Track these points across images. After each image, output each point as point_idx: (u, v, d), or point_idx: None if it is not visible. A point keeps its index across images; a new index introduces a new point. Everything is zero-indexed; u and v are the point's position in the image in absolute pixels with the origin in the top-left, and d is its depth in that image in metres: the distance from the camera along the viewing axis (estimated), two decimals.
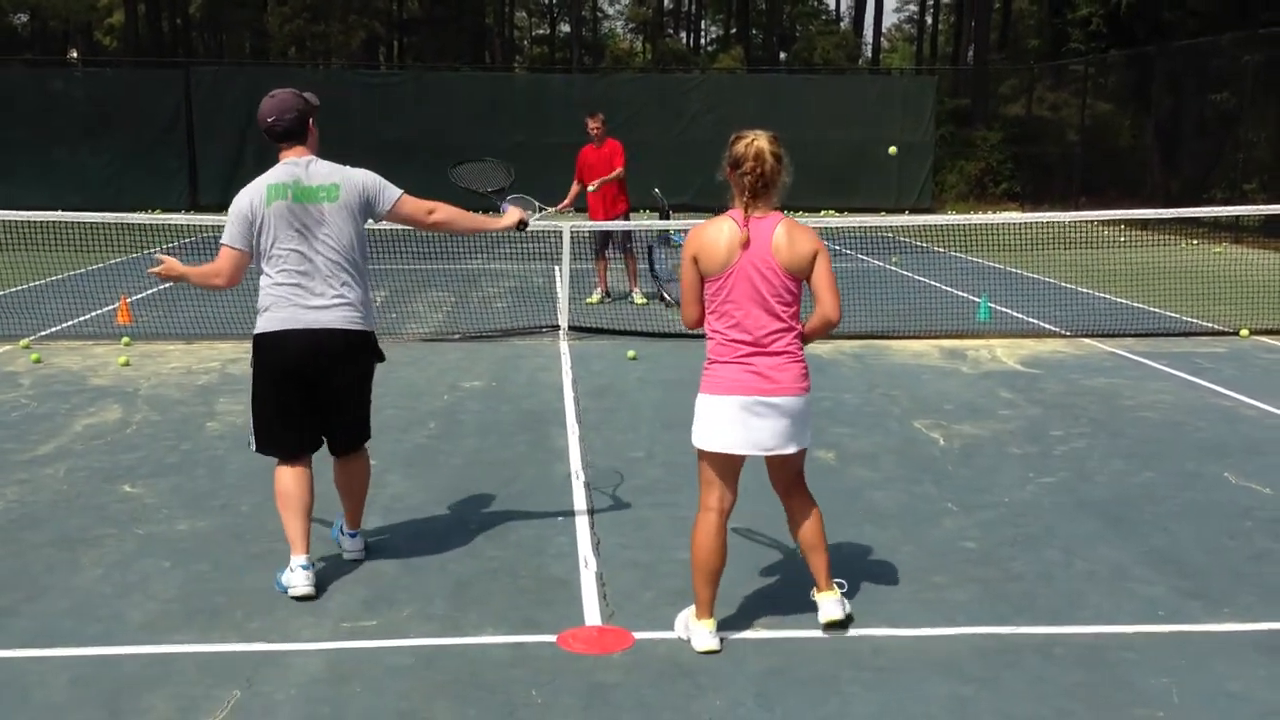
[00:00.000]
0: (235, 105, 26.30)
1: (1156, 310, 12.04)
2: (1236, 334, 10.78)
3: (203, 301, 12.05)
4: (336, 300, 4.62)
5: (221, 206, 25.52)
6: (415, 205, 4.80)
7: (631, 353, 9.72)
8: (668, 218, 13.24)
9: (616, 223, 12.26)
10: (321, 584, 4.73)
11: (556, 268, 11.85)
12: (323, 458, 4.93)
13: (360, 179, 4.71)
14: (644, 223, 12.55)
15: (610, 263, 12.91)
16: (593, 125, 12.33)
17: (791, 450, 4.18)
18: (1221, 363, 9.49)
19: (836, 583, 4.39)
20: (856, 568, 4.98)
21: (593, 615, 4.46)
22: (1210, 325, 11.21)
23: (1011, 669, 4.03)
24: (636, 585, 4.77)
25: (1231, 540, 5.33)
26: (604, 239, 12.59)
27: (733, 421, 4.08)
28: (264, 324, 4.64)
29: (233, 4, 44.97)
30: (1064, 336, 10.72)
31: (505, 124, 26.91)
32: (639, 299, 12.67)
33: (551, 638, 4.25)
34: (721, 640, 4.18)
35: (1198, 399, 8.21)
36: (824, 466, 6.52)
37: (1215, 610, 4.54)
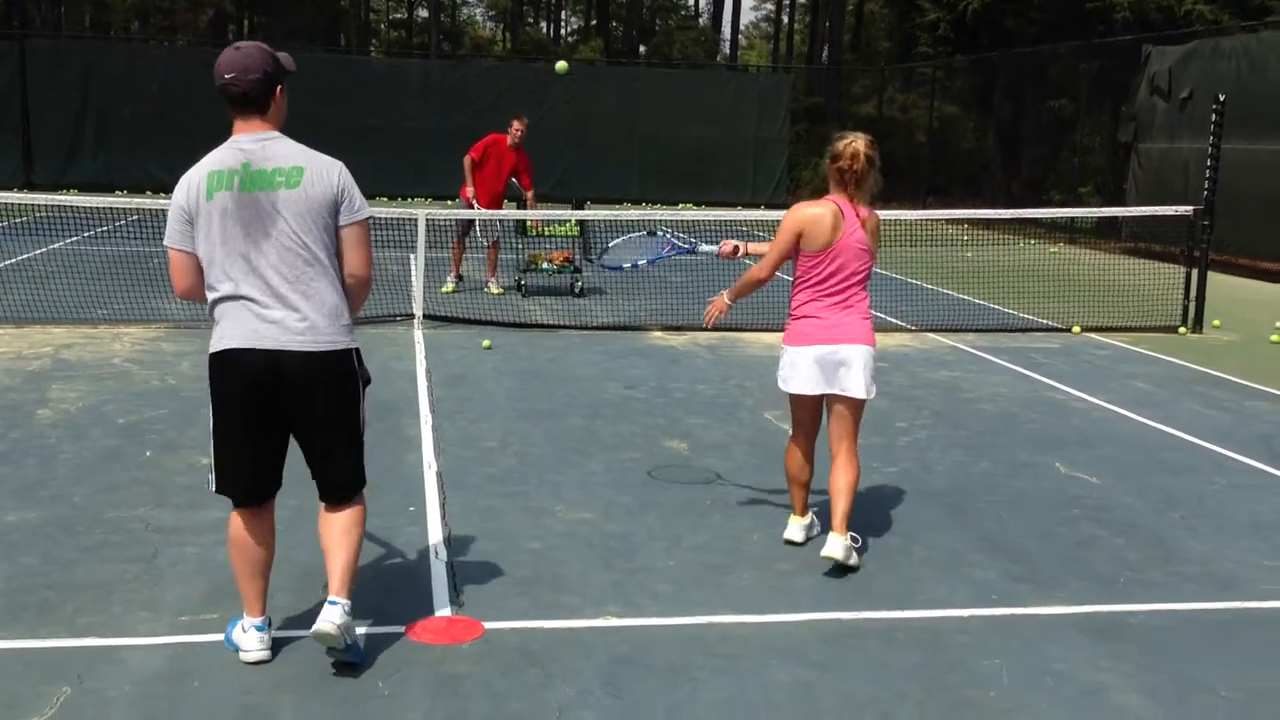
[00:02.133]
0: (73, 80, 25.20)
1: (996, 307, 12.52)
2: (1069, 330, 11.28)
3: (34, 283, 11.51)
4: (295, 314, 3.75)
5: (58, 185, 24.37)
6: (367, 245, 3.90)
7: (486, 342, 9.65)
8: (524, 207, 13.17)
9: (485, 211, 12.15)
10: (160, 576, 4.57)
11: (411, 255, 11.68)
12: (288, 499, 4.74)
13: (333, 171, 3.85)
14: (507, 213, 12.45)
15: (467, 251, 12.80)
16: (517, 127, 12.34)
17: (858, 394, 4.88)
18: (1055, 358, 9.93)
19: (851, 535, 4.88)
20: (706, 556, 5.05)
21: (443, 605, 4.43)
22: (1045, 322, 11.72)
23: (853, 653, 4.15)
24: (487, 574, 4.74)
25: (1060, 527, 5.58)
26: (467, 225, 12.48)
27: (811, 369, 4.89)
28: (213, 340, 3.83)
29: None
30: (909, 331, 11.06)
31: (360, 108, 26.38)
32: (495, 289, 12.59)
33: (400, 628, 4.20)
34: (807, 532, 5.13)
35: (1032, 392, 8.57)
36: (675, 456, 6.59)
37: (1044, 594, 4.75)
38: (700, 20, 54.73)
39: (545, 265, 12.67)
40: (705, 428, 7.25)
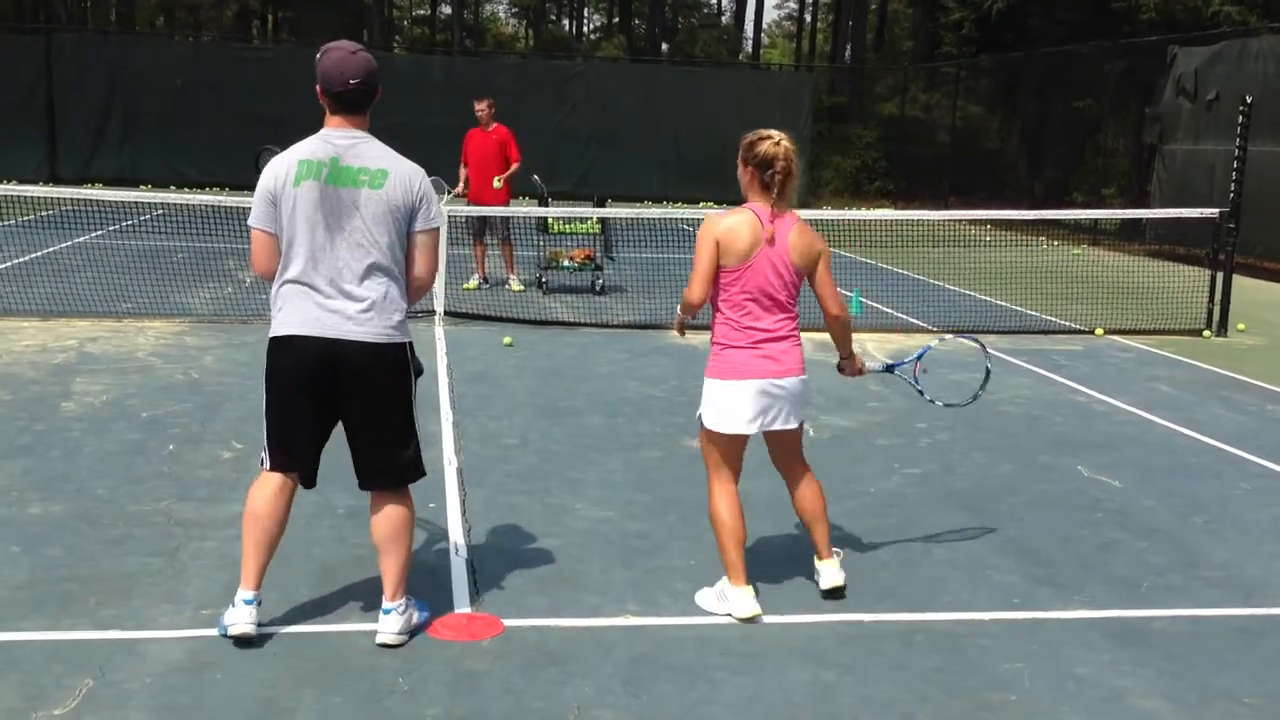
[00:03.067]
0: (99, 74, 25.36)
1: (1019, 309, 12.46)
2: (1092, 333, 11.22)
3: (60, 276, 11.59)
4: (359, 305, 3.89)
5: (83, 179, 24.44)
6: (435, 252, 4.12)
7: (508, 339, 9.66)
8: (546, 204, 13.19)
9: (496, 208, 12.17)
10: (182, 569, 4.60)
11: None
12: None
13: (416, 177, 4.00)
14: (524, 209, 12.48)
15: (488, 249, 12.81)
16: (480, 108, 12.24)
17: (793, 425, 4.48)
18: (1077, 360, 9.87)
19: (835, 551, 4.64)
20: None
21: (462, 602, 4.43)
22: (1068, 324, 11.65)
23: (873, 655, 4.13)
24: (507, 571, 4.75)
25: (1082, 530, 5.55)
26: (482, 224, 12.48)
27: (746, 404, 4.36)
28: (275, 326, 3.96)
29: None
30: (931, 332, 11.02)
31: (384, 104, 26.15)
32: (516, 286, 12.60)
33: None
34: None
35: (1054, 394, 8.53)
36: (695, 455, 6.57)
37: (1066, 598, 4.72)
38: (723, 19, 54.67)
39: (566, 263, 12.68)
40: None
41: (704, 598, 4.50)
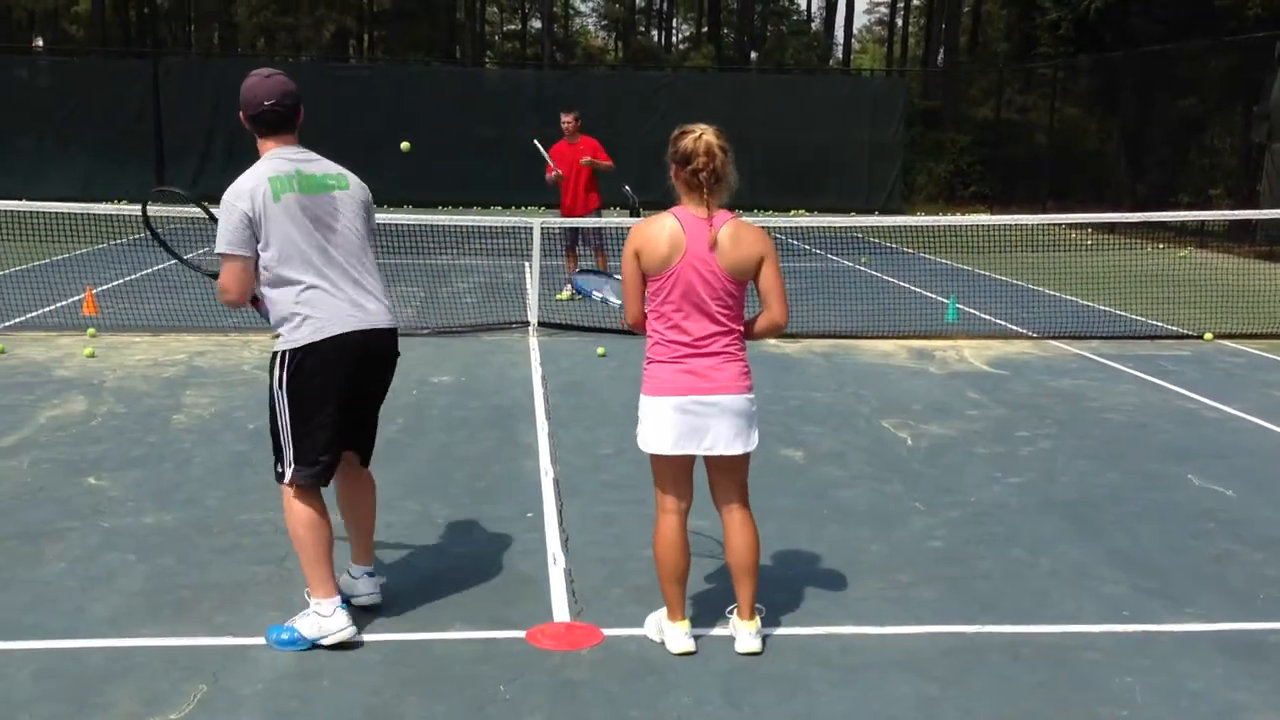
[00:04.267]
0: (203, 97, 26.12)
1: (1122, 313, 12.16)
2: (1200, 337, 10.90)
3: (169, 293, 11.95)
4: (372, 296, 4.13)
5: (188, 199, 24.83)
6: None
7: (601, 349, 9.71)
8: (638, 215, 13.24)
9: (588, 219, 12.25)
10: (289, 577, 4.70)
11: (526, 263, 11.84)
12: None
13: (361, 183, 4.29)
14: (616, 220, 12.54)
15: (581, 259, 12.89)
16: (566, 120, 12.33)
17: (735, 451, 4.02)
18: (1185, 365, 9.60)
19: (756, 608, 4.19)
20: (824, 566, 5.00)
21: (561, 611, 4.46)
22: (1175, 329, 11.33)
23: (977, 668, 4.06)
24: (605, 581, 4.77)
25: (1194, 541, 5.39)
26: (574, 235, 12.57)
27: (672, 422, 3.99)
28: (307, 333, 4.00)
29: None
30: (1031, 338, 10.81)
31: (476, 119, 26.87)
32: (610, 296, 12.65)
33: (520, 634, 4.25)
34: (695, 640, 4.16)
35: (1162, 401, 8.30)
36: (792, 465, 6.55)
37: (1177, 610, 4.59)
38: (812, 25, 54.37)
39: None
40: (821, 436, 7.19)
41: (648, 624, 4.25)
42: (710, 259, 3.91)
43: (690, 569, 4.18)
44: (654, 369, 4.08)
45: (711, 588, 4.70)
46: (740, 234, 3.96)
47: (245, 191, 3.97)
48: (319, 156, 4.20)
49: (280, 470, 4.15)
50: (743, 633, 4.15)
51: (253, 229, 3.97)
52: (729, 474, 4.13)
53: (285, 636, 4.09)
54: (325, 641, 4.05)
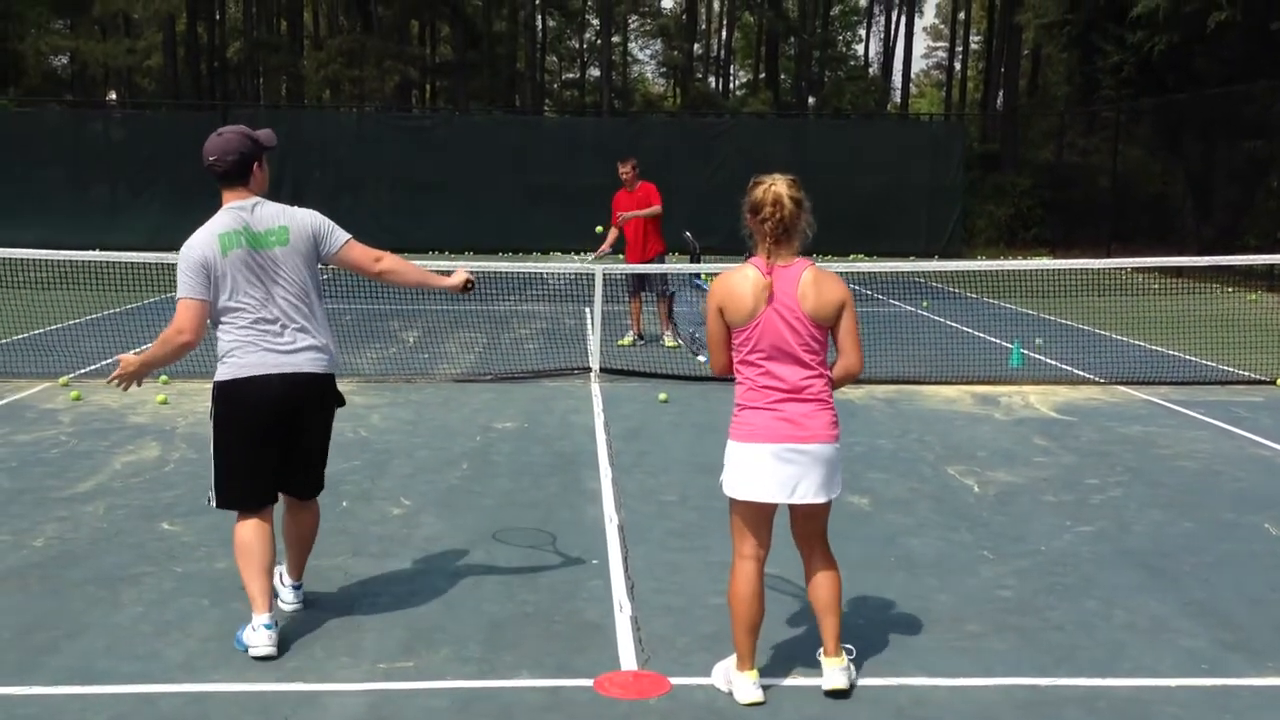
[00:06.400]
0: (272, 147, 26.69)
1: (1192, 358, 11.96)
2: (1273, 383, 10.68)
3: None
4: (304, 344, 4.52)
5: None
6: (363, 251, 4.71)
7: (663, 395, 9.73)
8: (698, 260, 13.26)
9: (651, 265, 12.31)
10: (359, 624, 4.73)
11: (587, 309, 11.91)
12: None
13: (308, 220, 4.61)
14: (678, 266, 12.58)
15: (644, 305, 12.95)
16: (624, 170, 12.44)
17: (821, 500, 4.08)
18: (1259, 412, 9.41)
19: (845, 649, 4.25)
20: (892, 615, 4.95)
21: (628, 660, 4.45)
22: (1246, 374, 11.12)
23: None
24: (672, 630, 4.75)
25: (1274, 593, 5.26)
26: (639, 281, 12.64)
27: (764, 469, 4.02)
28: (230, 370, 4.48)
29: (269, 48, 45.68)
30: (1098, 384, 10.66)
31: (537, 166, 27.20)
32: (670, 342, 12.69)
33: (588, 682, 4.24)
34: (764, 690, 4.13)
35: (1235, 448, 8.14)
36: (859, 512, 6.50)
37: (1258, 663, 4.48)
38: (870, 70, 54.47)
39: None
40: (886, 483, 7.13)
41: (716, 673, 4.25)
42: (795, 305, 3.99)
43: (764, 618, 4.17)
44: (746, 415, 4.09)
45: (781, 637, 4.66)
46: (821, 280, 4.04)
47: (198, 244, 4.46)
48: (269, 206, 4.56)
49: (209, 496, 4.63)
50: (829, 670, 4.15)
51: (208, 277, 4.43)
52: (812, 520, 4.19)
53: (239, 634, 4.51)
54: (251, 653, 4.38)
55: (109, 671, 4.29)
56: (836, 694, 4.14)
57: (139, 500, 6.56)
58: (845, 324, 4.07)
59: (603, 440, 8.18)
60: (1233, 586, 5.33)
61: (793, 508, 4.16)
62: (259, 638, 4.40)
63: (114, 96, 44.92)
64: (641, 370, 10.93)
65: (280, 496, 4.72)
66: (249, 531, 4.55)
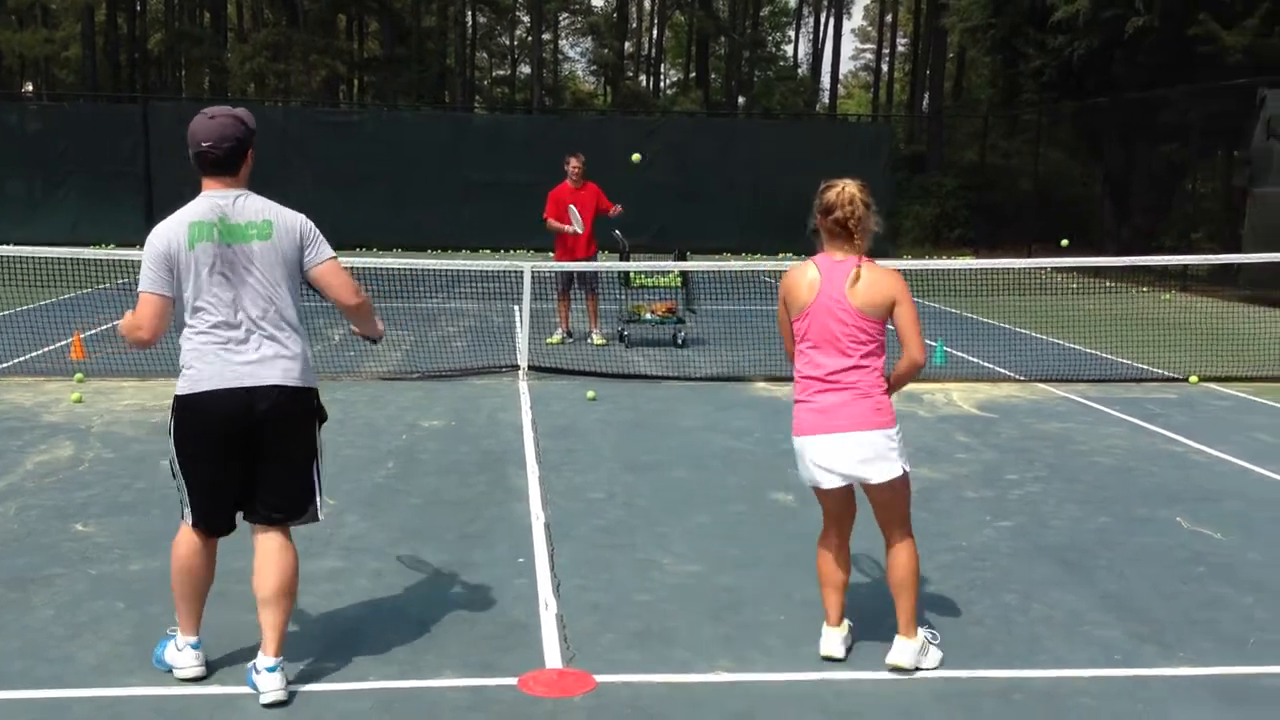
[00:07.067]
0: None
1: (1108, 356, 12.22)
2: (1186, 380, 10.96)
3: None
4: (272, 353, 4.04)
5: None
6: (345, 279, 4.22)
7: (591, 393, 9.72)
8: (627, 258, 13.28)
9: (583, 263, 12.29)
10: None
11: (516, 307, 11.87)
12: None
13: (296, 222, 4.14)
14: (609, 264, 12.59)
15: (572, 303, 12.93)
16: (574, 165, 12.45)
17: (873, 480, 4.27)
18: (1172, 409, 9.65)
19: (929, 633, 4.51)
20: (813, 611, 4.98)
21: (553, 658, 4.44)
22: (1160, 371, 11.40)
23: (970, 713, 4.05)
24: (597, 627, 4.75)
25: (1185, 585, 5.40)
26: (568, 279, 12.61)
27: (809, 459, 4.35)
28: (187, 384, 4.01)
29: (192, 40, 44.85)
30: (1019, 381, 10.85)
31: (465, 162, 27.02)
32: (599, 340, 12.69)
33: (512, 680, 4.22)
34: (845, 650, 4.47)
35: (1149, 444, 8.33)
36: (783, 508, 6.55)
37: (1170, 655, 4.59)
38: (799, 71, 54.91)
39: (648, 316, 12.74)
40: None
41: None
42: (844, 298, 4.24)
43: (848, 581, 4.56)
44: (796, 409, 4.43)
45: (715, 634, 4.68)
46: (873, 275, 4.27)
47: (164, 233, 4.03)
48: (254, 200, 4.12)
49: (183, 513, 4.18)
50: (901, 646, 4.37)
51: (170, 270, 4.00)
52: (877, 500, 4.39)
53: (158, 652, 4.25)
54: (176, 674, 4.14)
55: (20, 675, 4.19)
56: (895, 669, 4.33)
57: (52, 500, 6.41)
58: (902, 318, 4.28)
59: (530, 438, 8.15)
60: (1146, 579, 5.46)
61: (865, 491, 4.39)
62: (185, 658, 4.14)
63: (30, 88, 43.82)
64: (570, 368, 10.91)
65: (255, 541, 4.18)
66: (188, 551, 4.11)
